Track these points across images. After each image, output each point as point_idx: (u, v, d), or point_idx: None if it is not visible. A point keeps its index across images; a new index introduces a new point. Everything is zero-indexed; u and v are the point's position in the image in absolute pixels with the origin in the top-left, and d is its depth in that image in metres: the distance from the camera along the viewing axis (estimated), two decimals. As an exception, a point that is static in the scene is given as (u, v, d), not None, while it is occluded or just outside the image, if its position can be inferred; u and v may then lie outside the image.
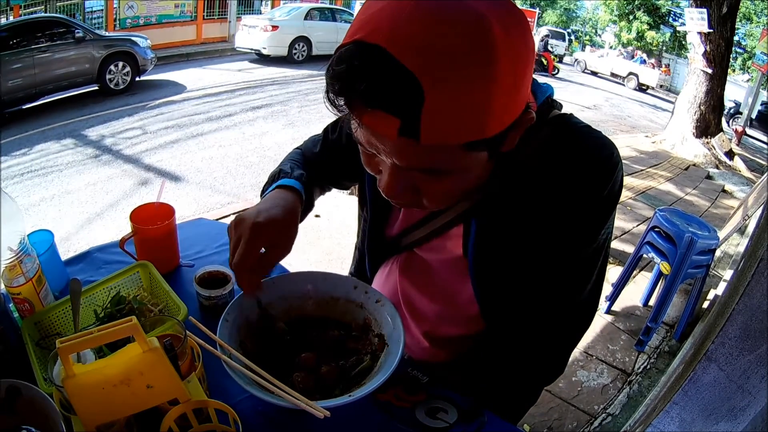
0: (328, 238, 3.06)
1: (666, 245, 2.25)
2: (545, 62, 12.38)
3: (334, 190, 0.96)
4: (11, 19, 7.19)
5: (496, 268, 0.66)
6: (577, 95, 10.67)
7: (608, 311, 2.59)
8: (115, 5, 9.07)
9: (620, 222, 3.84)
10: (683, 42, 16.18)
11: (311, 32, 9.43)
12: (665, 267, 2.24)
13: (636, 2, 18.48)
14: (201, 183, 3.92)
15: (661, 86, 15.23)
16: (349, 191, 3.06)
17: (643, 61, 15.68)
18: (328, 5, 12.07)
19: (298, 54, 9.39)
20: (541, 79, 0.65)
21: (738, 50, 16.53)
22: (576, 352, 2.25)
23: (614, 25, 19.92)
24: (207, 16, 10.68)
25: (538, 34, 13.73)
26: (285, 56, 9.20)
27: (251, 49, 9.17)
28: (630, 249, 2.99)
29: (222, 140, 4.93)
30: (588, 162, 0.59)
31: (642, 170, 5.59)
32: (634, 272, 2.71)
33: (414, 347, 0.82)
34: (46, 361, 0.61)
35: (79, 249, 2.73)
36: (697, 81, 6.54)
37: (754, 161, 7.46)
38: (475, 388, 0.73)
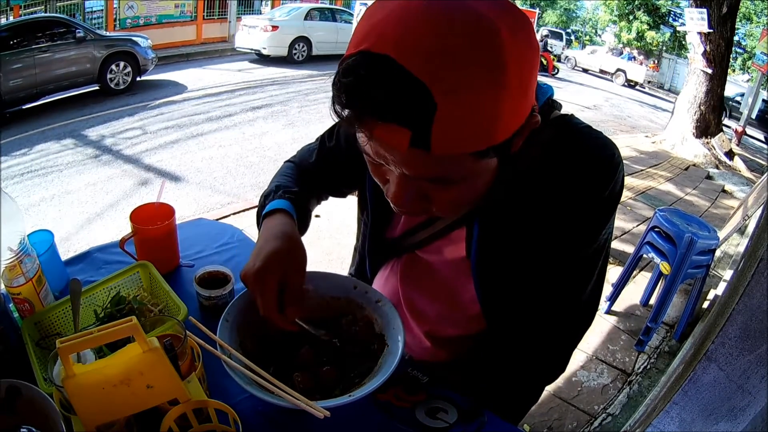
0: (328, 238, 3.06)
1: (666, 245, 2.25)
2: (545, 62, 12.39)
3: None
4: (11, 19, 7.19)
5: (499, 269, 0.66)
6: (577, 95, 10.67)
7: (608, 311, 2.59)
8: (115, 5, 9.07)
9: (620, 222, 3.84)
10: (683, 42, 16.18)
11: (311, 32, 9.43)
12: (665, 267, 2.24)
13: (636, 2, 18.47)
14: (201, 183, 3.92)
15: (649, 82, 15.62)
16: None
17: (631, 58, 16.03)
18: (328, 5, 12.07)
19: (298, 54, 9.39)
20: (541, 79, 0.65)
21: (738, 50, 16.53)
22: (576, 352, 2.25)
23: (614, 25, 19.92)
24: (207, 16, 10.68)
25: (537, 35, 13.75)
26: (285, 56, 9.20)
27: (251, 49, 9.17)
28: (630, 249, 2.99)
29: (222, 140, 4.93)
30: (589, 163, 0.59)
31: (642, 170, 5.59)
32: (634, 272, 2.71)
33: (415, 347, 0.82)
34: (46, 361, 0.61)
35: (79, 249, 2.73)
36: (697, 81, 6.54)
37: (754, 161, 7.47)
38: (476, 388, 0.73)
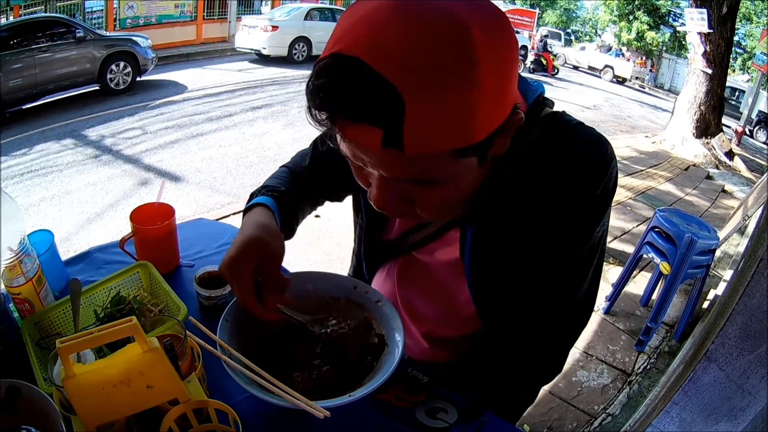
0: (328, 238, 3.06)
1: (666, 245, 2.25)
2: (545, 62, 12.38)
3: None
4: (11, 19, 7.19)
5: (493, 269, 0.66)
6: (577, 95, 10.67)
7: (608, 311, 2.58)
8: (115, 5, 9.07)
9: (620, 222, 3.85)
10: (683, 42, 16.19)
11: (311, 32, 9.42)
12: (665, 267, 2.24)
13: (636, 2, 18.47)
14: (201, 183, 3.92)
15: (636, 78, 16.03)
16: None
17: (618, 54, 16.44)
18: (328, 5, 12.08)
19: (298, 54, 9.39)
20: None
21: (738, 50, 16.55)
22: (576, 352, 2.26)
23: (614, 26, 19.92)
24: (207, 16, 10.68)
25: (537, 35, 13.79)
26: (285, 56, 9.19)
27: (251, 49, 9.17)
28: (630, 249, 2.99)
29: (222, 140, 4.94)
30: (581, 160, 0.58)
31: (642, 170, 5.58)
32: (634, 272, 2.71)
33: (413, 348, 0.82)
34: (46, 361, 0.61)
35: (79, 249, 2.73)
36: (697, 81, 6.55)
37: (754, 161, 7.47)
38: (475, 387, 0.73)
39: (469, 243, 0.65)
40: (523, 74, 0.62)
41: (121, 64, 6.34)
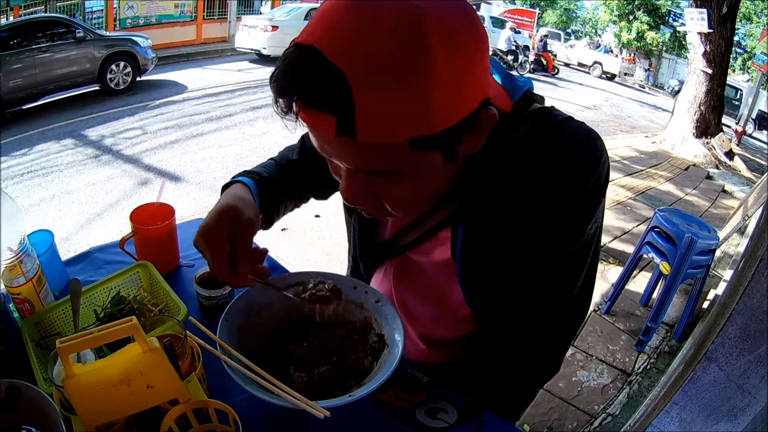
0: (328, 238, 3.06)
1: (666, 245, 2.24)
2: (545, 62, 12.37)
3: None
4: (11, 19, 7.19)
5: (485, 268, 0.65)
6: (577, 95, 10.67)
7: (608, 311, 2.58)
8: (115, 5, 9.06)
9: (620, 222, 3.85)
10: (683, 42, 16.19)
11: (311, 32, 9.41)
12: (665, 267, 2.24)
13: (636, 2, 18.47)
14: (201, 183, 3.92)
15: (625, 74, 16.32)
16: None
17: (607, 51, 16.77)
18: (328, 5, 12.04)
19: (298, 54, 9.38)
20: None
21: (738, 50, 16.55)
22: (576, 352, 2.26)
23: (614, 26, 19.91)
24: (207, 16, 10.68)
25: (537, 35, 13.81)
26: (285, 56, 9.19)
27: (251, 49, 9.16)
28: (630, 249, 2.99)
29: (222, 140, 4.93)
30: (570, 155, 0.57)
31: (642, 170, 5.58)
32: (634, 272, 2.71)
33: (411, 350, 0.81)
34: (46, 361, 0.61)
35: (79, 249, 2.73)
36: (697, 81, 6.54)
37: (754, 161, 7.47)
38: (474, 388, 0.73)
39: (460, 242, 0.64)
40: (524, 74, 0.61)
41: (121, 64, 6.34)
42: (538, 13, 19.66)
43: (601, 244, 3.25)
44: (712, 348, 1.03)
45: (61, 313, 0.76)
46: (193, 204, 3.54)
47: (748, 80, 13.68)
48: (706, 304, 2.55)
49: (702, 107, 6.63)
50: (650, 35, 18.32)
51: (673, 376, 1.61)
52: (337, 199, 0.94)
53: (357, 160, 0.49)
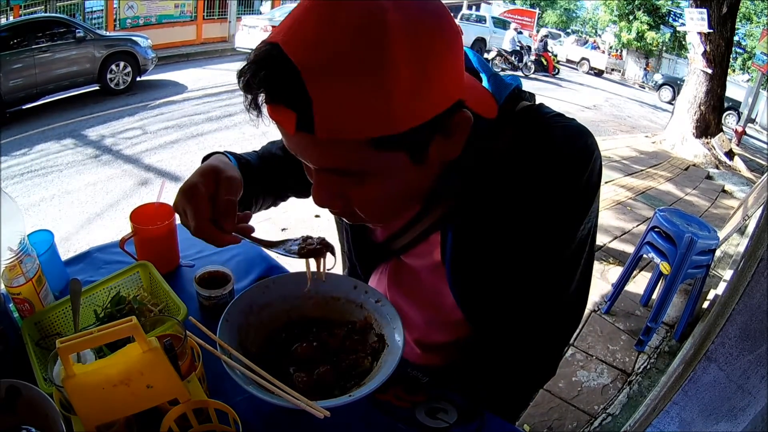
0: (328, 238, 3.05)
1: (666, 245, 2.25)
2: (545, 62, 12.38)
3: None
4: (11, 19, 7.19)
5: (475, 272, 0.64)
6: (577, 95, 10.67)
7: (608, 311, 2.58)
8: (115, 5, 9.06)
9: (620, 222, 3.85)
10: (683, 42, 16.19)
11: (311, 32, 9.41)
12: (665, 267, 2.24)
13: (636, 2, 18.46)
14: (201, 183, 3.92)
15: (613, 70, 16.97)
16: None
17: (594, 47, 17.18)
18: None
19: (298, 54, 9.38)
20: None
21: (738, 50, 16.53)
22: (576, 352, 2.26)
23: (614, 26, 19.91)
24: (207, 16, 10.68)
25: (538, 35, 13.83)
26: (285, 56, 9.19)
27: (251, 50, 9.00)
28: (630, 249, 2.99)
29: (222, 140, 4.93)
30: (559, 153, 0.55)
31: (642, 170, 5.58)
32: (634, 272, 2.71)
33: (407, 354, 0.80)
34: (46, 361, 0.61)
35: (79, 249, 2.73)
36: (697, 81, 6.54)
37: (754, 161, 7.46)
38: (471, 392, 0.72)
39: (450, 246, 0.63)
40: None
41: (121, 64, 6.34)
42: (538, 13, 19.68)
43: (602, 244, 3.27)
44: (712, 348, 1.03)
45: (61, 313, 0.76)
46: (193, 204, 3.54)
47: (748, 80, 13.69)
48: (706, 304, 2.55)
49: (702, 107, 6.63)
50: (650, 35, 18.31)
51: (673, 376, 1.61)
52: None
53: (319, 158, 0.49)
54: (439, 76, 0.45)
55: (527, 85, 0.62)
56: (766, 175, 4.60)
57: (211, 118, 5.60)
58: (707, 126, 6.74)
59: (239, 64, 0.47)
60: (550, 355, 0.73)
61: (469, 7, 16.06)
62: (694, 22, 6.15)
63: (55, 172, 3.97)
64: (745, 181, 5.97)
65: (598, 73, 15.97)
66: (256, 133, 5.22)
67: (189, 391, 0.55)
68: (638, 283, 2.89)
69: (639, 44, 18.48)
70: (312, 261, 0.66)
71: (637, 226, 3.80)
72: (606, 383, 2.10)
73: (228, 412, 0.56)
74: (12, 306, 0.74)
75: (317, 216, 3.27)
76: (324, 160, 0.49)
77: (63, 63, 5.72)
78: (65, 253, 1.07)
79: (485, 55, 12.67)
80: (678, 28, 15.80)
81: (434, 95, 0.45)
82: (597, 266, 3.03)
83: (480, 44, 13.43)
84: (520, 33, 12.54)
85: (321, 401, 0.56)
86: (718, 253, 3.05)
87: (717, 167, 6.49)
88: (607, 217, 3.88)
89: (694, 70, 6.63)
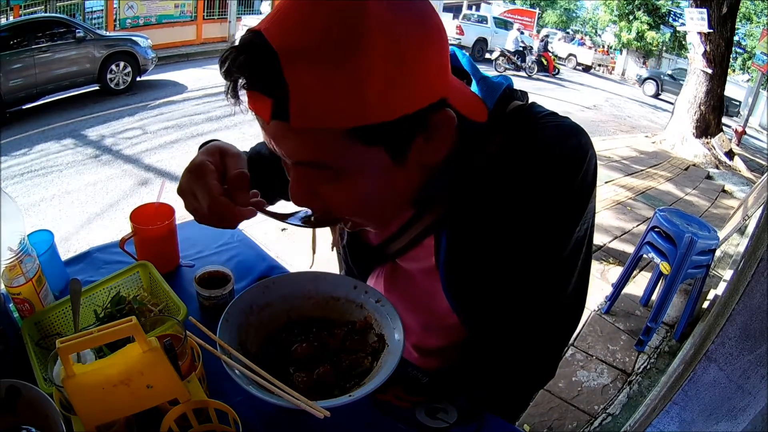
0: (328, 238, 3.05)
1: (666, 245, 2.25)
2: (545, 62, 12.38)
3: None
4: (11, 19, 7.19)
5: (470, 276, 0.63)
6: (577, 95, 10.67)
7: (608, 311, 2.59)
8: (115, 5, 9.06)
9: (620, 222, 3.85)
10: (683, 42, 16.20)
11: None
12: (665, 267, 2.24)
13: (636, 2, 18.46)
14: (201, 183, 3.92)
15: (599, 65, 17.46)
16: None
17: (581, 44, 17.80)
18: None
19: (298, 54, 9.38)
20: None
21: (738, 50, 16.53)
22: (576, 352, 2.26)
23: (614, 25, 19.91)
24: (207, 16, 10.67)
25: (539, 35, 13.85)
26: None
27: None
28: (630, 249, 3.00)
29: (222, 140, 4.93)
30: (552, 153, 0.54)
31: (642, 170, 5.58)
32: (634, 272, 2.71)
33: (405, 358, 0.80)
34: (46, 361, 0.61)
35: (79, 249, 2.73)
36: (697, 81, 6.55)
37: (754, 161, 7.47)
38: (469, 394, 0.72)
39: (443, 250, 0.62)
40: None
41: (121, 64, 6.34)
42: (538, 13, 19.69)
43: (601, 244, 3.27)
44: (712, 348, 1.03)
45: (61, 313, 0.76)
46: (193, 204, 3.54)
47: (748, 80, 13.69)
48: (706, 304, 2.55)
49: (702, 107, 6.63)
50: (650, 35, 18.31)
51: (673, 376, 1.61)
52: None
53: (294, 150, 0.48)
54: (418, 68, 0.45)
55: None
56: (766, 175, 4.61)
57: (211, 118, 5.60)
58: (707, 126, 6.75)
59: (239, 65, 0.46)
60: (549, 357, 0.73)
61: (470, 7, 16.09)
62: (694, 22, 6.16)
63: (55, 172, 3.97)
64: (745, 181, 5.98)
65: (586, 69, 16.46)
66: (256, 132, 5.19)
67: (189, 391, 0.55)
68: (638, 283, 2.89)
69: (639, 44, 18.48)
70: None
71: (637, 226, 3.81)
72: (606, 383, 2.10)
73: (228, 412, 0.56)
74: (12, 306, 0.74)
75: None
76: (299, 152, 0.48)
77: (63, 63, 5.72)
78: (65, 253, 1.07)
79: (488, 56, 12.68)
80: (678, 28, 15.84)
81: (412, 88, 0.45)
82: (597, 266, 3.03)
83: (482, 44, 13.44)
84: (523, 33, 12.56)
85: (321, 401, 0.56)
86: (718, 253, 3.05)
87: (717, 167, 6.50)
88: (607, 217, 3.88)
89: (694, 70, 6.63)
